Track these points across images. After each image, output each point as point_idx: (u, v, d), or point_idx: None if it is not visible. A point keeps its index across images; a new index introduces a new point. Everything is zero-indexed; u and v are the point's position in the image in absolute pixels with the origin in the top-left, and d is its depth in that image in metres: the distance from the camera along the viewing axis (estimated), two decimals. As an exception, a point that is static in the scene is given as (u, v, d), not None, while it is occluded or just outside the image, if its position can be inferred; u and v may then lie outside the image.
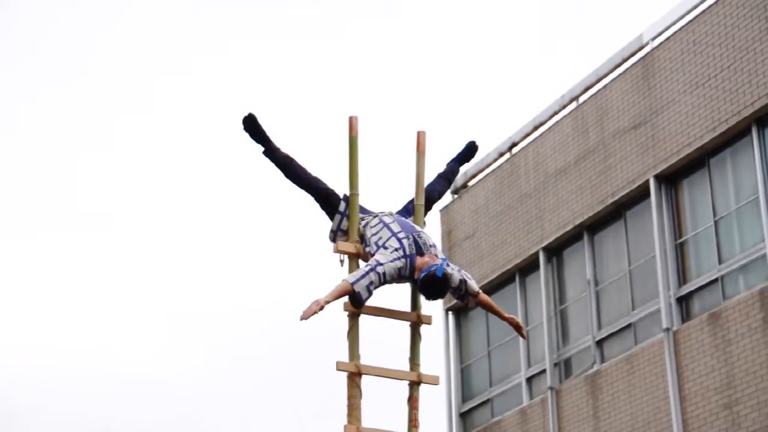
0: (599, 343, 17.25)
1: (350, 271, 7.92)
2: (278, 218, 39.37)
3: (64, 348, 40.83)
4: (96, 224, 41.45)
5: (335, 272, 7.97)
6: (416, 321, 8.00)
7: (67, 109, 41.90)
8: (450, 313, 20.23)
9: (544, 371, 18.06)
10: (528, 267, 18.84)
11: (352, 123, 8.22)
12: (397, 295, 8.20)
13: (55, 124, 41.47)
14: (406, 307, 8.08)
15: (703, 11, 16.05)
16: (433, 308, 19.83)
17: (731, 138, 15.51)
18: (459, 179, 20.70)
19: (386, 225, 7.89)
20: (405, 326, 8.04)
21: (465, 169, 20.53)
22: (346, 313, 7.81)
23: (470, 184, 20.54)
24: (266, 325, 39.34)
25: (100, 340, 39.97)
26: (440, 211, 20.80)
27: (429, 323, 8.04)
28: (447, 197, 20.88)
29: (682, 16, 16.44)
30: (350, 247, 7.97)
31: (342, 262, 7.98)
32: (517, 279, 19.05)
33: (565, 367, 17.89)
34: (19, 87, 41.42)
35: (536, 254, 18.50)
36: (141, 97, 41.97)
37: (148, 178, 41.18)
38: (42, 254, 41.04)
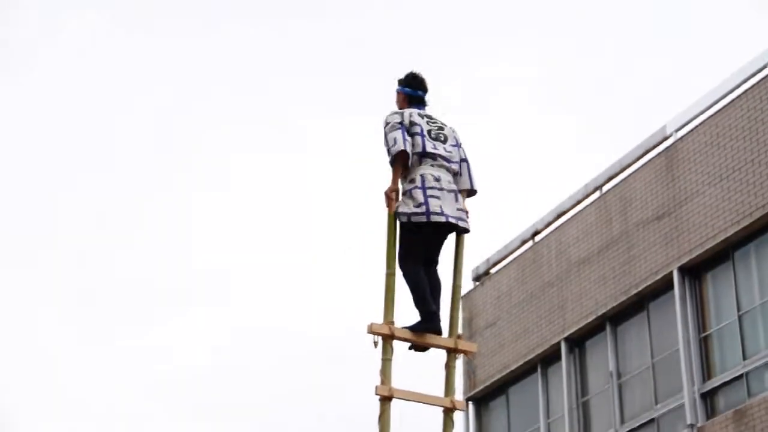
0: (622, 437, 16.97)
1: (384, 353, 7.94)
2: (316, 245, 39.87)
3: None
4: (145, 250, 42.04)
5: (374, 304, 8.08)
6: (449, 407, 8.08)
7: (69, 108, 42.44)
8: (470, 402, 19.99)
9: (565, 464, 17.76)
10: (550, 357, 18.61)
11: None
12: (430, 380, 8.28)
13: (56, 123, 41.98)
14: (440, 391, 8.13)
15: (727, 104, 15.97)
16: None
17: (755, 231, 15.34)
18: (481, 266, 20.55)
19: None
20: (437, 411, 8.09)
21: (488, 256, 20.43)
22: (378, 397, 7.82)
23: (492, 271, 20.40)
24: (283, 371, 39.66)
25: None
26: (462, 298, 20.57)
27: (463, 409, 8.18)
28: (469, 284, 20.71)
29: (706, 109, 16.37)
30: (384, 328, 8.02)
31: (376, 344, 7.98)
32: (539, 369, 18.81)
33: (587, 461, 17.59)
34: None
35: (558, 344, 18.29)
36: (145, 97, 42.55)
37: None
38: (80, 274, 41.52)
